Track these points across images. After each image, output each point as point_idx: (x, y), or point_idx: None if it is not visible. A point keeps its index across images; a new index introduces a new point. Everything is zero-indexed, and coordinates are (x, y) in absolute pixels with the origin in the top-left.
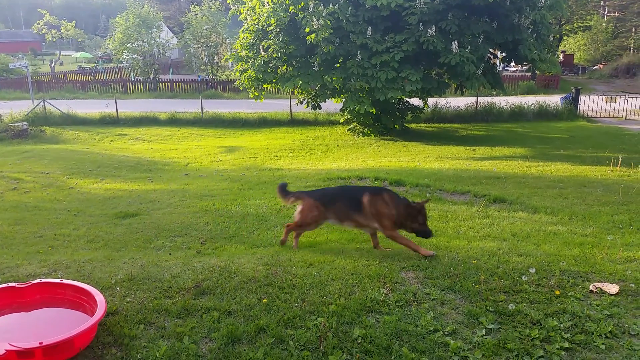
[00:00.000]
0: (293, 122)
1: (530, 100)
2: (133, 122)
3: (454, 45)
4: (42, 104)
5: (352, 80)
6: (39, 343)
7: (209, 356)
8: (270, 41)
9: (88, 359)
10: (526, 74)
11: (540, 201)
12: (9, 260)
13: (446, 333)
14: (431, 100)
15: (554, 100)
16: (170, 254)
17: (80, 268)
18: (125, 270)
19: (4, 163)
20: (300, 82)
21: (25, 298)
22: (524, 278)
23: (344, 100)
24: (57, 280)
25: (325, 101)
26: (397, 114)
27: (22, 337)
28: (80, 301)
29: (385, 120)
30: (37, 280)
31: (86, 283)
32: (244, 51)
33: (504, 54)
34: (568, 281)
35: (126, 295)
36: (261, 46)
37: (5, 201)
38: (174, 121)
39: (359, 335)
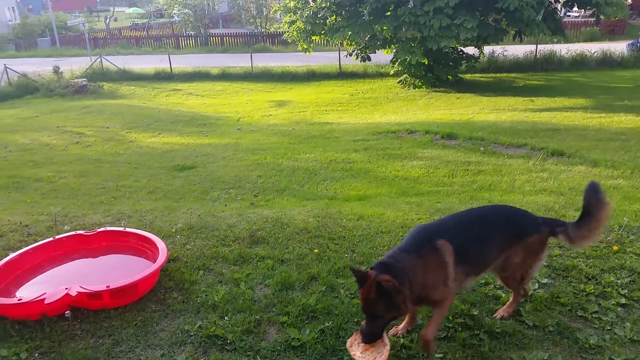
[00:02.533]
0: (342, 75)
1: (593, 48)
2: (186, 77)
3: None
4: (99, 60)
5: (403, 29)
6: (107, 286)
7: (264, 301)
8: None
9: (151, 302)
10: (589, 19)
11: (601, 154)
12: (75, 210)
13: (497, 286)
14: (487, 49)
15: (619, 47)
16: (225, 204)
17: (142, 217)
18: (184, 219)
19: (66, 118)
20: (349, 32)
21: (92, 245)
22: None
23: (394, 50)
24: (121, 229)
25: (375, 52)
26: (451, 64)
27: (91, 281)
28: (142, 248)
29: (438, 71)
30: (103, 229)
31: (148, 231)
32: (292, 2)
33: None
34: (627, 237)
35: (186, 243)
36: None
37: (70, 154)
38: (225, 76)
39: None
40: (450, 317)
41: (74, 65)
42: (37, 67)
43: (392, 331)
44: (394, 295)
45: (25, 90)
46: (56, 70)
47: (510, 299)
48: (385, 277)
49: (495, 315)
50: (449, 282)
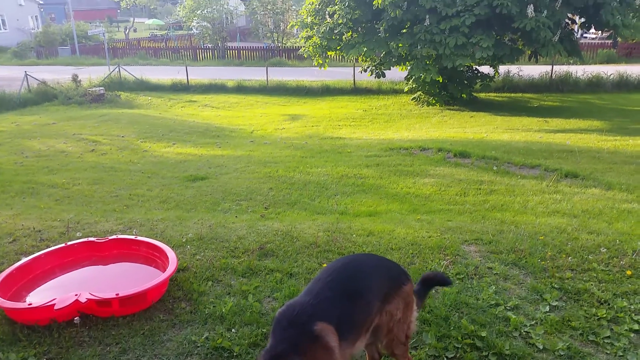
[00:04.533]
0: (356, 90)
1: (609, 70)
2: (202, 89)
3: (530, 9)
4: (117, 69)
5: (418, 47)
6: (116, 294)
7: (272, 314)
8: (336, 6)
9: (160, 311)
10: (606, 41)
11: (615, 177)
12: (88, 217)
13: (508, 308)
14: (502, 68)
15: (636, 70)
16: (236, 216)
17: (153, 226)
18: (195, 230)
19: (83, 126)
20: (365, 48)
21: (103, 252)
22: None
23: (409, 68)
24: (132, 237)
25: (389, 69)
26: (465, 82)
27: (101, 288)
28: (153, 257)
29: (452, 89)
30: (114, 236)
31: (159, 240)
32: (309, 17)
33: (582, 19)
34: None
35: (196, 253)
36: (327, 12)
37: (85, 162)
38: (240, 89)
39: (422, 303)
40: (459, 338)
41: (93, 74)
42: (56, 75)
43: None
44: None
45: (44, 97)
46: (75, 79)
47: None
48: None
49: None
50: None
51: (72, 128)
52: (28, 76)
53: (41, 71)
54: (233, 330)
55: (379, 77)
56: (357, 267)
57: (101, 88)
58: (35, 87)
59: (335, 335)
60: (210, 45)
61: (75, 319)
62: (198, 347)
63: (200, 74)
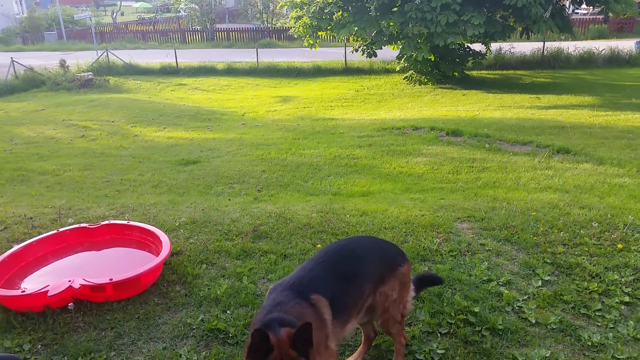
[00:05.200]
0: (347, 71)
1: (601, 45)
2: (192, 72)
3: None
4: (105, 54)
5: (410, 25)
6: (110, 279)
7: None
8: None
9: (154, 295)
10: (598, 16)
11: (607, 152)
12: (80, 203)
13: (500, 283)
14: (494, 46)
15: (627, 45)
16: (229, 199)
17: (146, 211)
18: (188, 213)
19: (72, 112)
20: (355, 28)
21: (95, 238)
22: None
23: (400, 47)
24: (125, 222)
25: (381, 48)
26: (457, 60)
27: (94, 274)
28: (146, 242)
29: (444, 68)
30: (106, 222)
31: (152, 225)
32: None
33: None
34: (632, 235)
35: (189, 237)
36: None
37: (75, 148)
38: (230, 71)
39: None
40: (453, 314)
41: (80, 59)
42: (43, 60)
43: None
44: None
45: (32, 83)
46: (62, 64)
47: (395, 352)
48: (288, 331)
49: None
50: (330, 342)
51: (61, 114)
52: (14, 62)
53: (28, 57)
54: (228, 312)
55: (370, 57)
56: (351, 250)
57: (89, 73)
58: (22, 73)
59: (329, 309)
60: (198, 28)
61: (70, 305)
62: (193, 329)
63: (190, 57)
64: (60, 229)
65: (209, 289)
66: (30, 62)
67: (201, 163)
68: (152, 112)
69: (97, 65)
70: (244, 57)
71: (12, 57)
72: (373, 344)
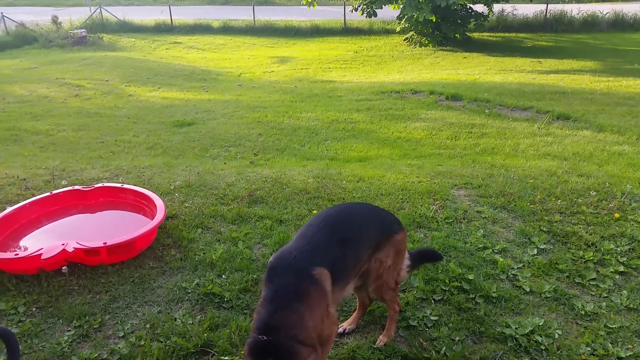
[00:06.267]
0: (347, 31)
1: (605, 9)
2: (187, 30)
3: None
4: (98, 10)
5: None
6: (104, 243)
7: (262, 260)
8: None
9: (149, 259)
10: None
11: (607, 119)
12: (73, 165)
13: (496, 251)
14: (497, 7)
15: (632, 8)
16: (225, 163)
17: (140, 173)
18: (183, 177)
19: (65, 70)
20: None
21: (89, 200)
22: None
23: (401, 6)
24: (119, 185)
25: (381, 8)
26: (459, 21)
27: (88, 237)
28: (140, 205)
29: (445, 29)
30: (100, 184)
31: (146, 188)
32: None
33: None
34: (630, 204)
35: (184, 200)
36: None
37: (69, 107)
38: (226, 29)
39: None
40: (447, 281)
41: (73, 16)
42: (35, 16)
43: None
44: None
45: (24, 40)
46: (55, 20)
47: (389, 318)
48: None
49: (377, 342)
50: (330, 309)
51: (55, 72)
52: (5, 18)
53: (18, 12)
54: (223, 276)
55: (370, 17)
56: (350, 214)
57: (83, 30)
58: (13, 29)
59: (330, 279)
60: None
61: (63, 268)
62: (189, 293)
63: (185, 14)
64: (54, 191)
65: (204, 253)
66: (21, 18)
67: (196, 125)
68: (147, 71)
69: (90, 22)
70: (241, 14)
71: (2, 12)
72: (367, 310)
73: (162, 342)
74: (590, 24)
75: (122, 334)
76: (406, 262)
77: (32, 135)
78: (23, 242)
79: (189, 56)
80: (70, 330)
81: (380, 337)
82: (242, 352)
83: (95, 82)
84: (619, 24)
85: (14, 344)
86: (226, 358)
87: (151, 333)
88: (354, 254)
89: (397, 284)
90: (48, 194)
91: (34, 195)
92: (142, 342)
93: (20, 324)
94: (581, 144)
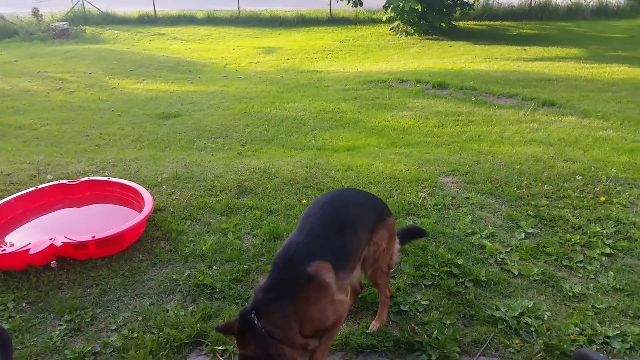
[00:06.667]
0: (333, 20)
1: None
2: (171, 21)
3: None
4: (80, 2)
5: None
6: (92, 237)
7: (253, 251)
8: None
9: (139, 251)
10: None
11: (592, 105)
12: (59, 159)
13: (484, 236)
14: None
15: None
16: (212, 154)
17: (126, 166)
18: (170, 169)
19: (48, 63)
20: None
21: (76, 194)
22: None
23: None
24: (105, 178)
25: None
26: (445, 10)
27: (76, 231)
28: (127, 198)
29: (431, 18)
30: (86, 178)
31: (133, 181)
32: None
33: None
34: (615, 188)
35: (172, 193)
36: None
37: (52, 101)
38: (211, 20)
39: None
40: (437, 266)
41: (55, 8)
42: (14, 8)
43: None
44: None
45: (3, 33)
46: (35, 13)
47: (380, 303)
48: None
49: (370, 327)
50: (336, 297)
51: (37, 66)
52: None
53: None
54: (214, 267)
55: (356, 6)
56: (345, 200)
57: (65, 22)
58: None
59: (331, 271)
60: None
61: (52, 262)
62: (180, 284)
63: (168, 5)
64: (40, 186)
65: (194, 245)
66: (0, 10)
67: (182, 117)
68: (131, 63)
69: (72, 15)
70: (225, 4)
71: None
72: (359, 297)
73: (155, 333)
74: (575, 12)
75: (114, 326)
76: (397, 245)
77: (15, 129)
78: (9, 238)
79: (173, 47)
80: (61, 325)
81: (373, 322)
82: (236, 341)
83: (78, 75)
84: (603, 12)
85: (6, 340)
86: (220, 348)
87: (143, 325)
88: (355, 238)
89: (390, 268)
90: (33, 188)
91: (19, 190)
92: (135, 335)
93: (10, 319)
94: (566, 130)
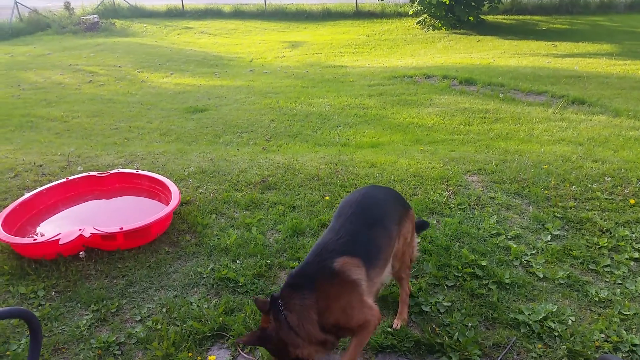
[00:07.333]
0: (358, 14)
1: None
2: (198, 15)
3: None
4: None
5: None
6: (120, 228)
7: (275, 246)
8: None
9: (164, 244)
10: None
11: (623, 104)
12: (89, 151)
13: (509, 237)
14: None
15: None
16: (237, 149)
17: (154, 160)
18: (197, 163)
19: (78, 56)
20: None
21: (105, 187)
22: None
23: None
24: (134, 171)
25: None
26: (473, 4)
27: (104, 222)
28: (155, 191)
29: (459, 12)
30: (116, 170)
31: (161, 174)
32: None
33: None
34: None
35: (198, 186)
36: None
37: (83, 94)
38: (237, 14)
39: (419, 235)
40: (460, 267)
41: (85, 2)
42: (47, 2)
43: None
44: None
45: (37, 26)
46: (67, 6)
47: (400, 301)
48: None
49: (394, 326)
50: (365, 297)
51: (68, 58)
52: (18, 4)
53: None
54: (238, 261)
55: (382, 0)
56: (374, 197)
57: (95, 16)
58: (26, 15)
59: (360, 267)
60: None
61: (81, 253)
62: (204, 278)
63: None
64: (70, 177)
65: (218, 238)
66: (34, 4)
67: (209, 111)
68: (159, 57)
69: (102, 8)
70: None
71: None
72: (379, 295)
73: (178, 325)
74: (607, 6)
75: (139, 317)
76: (416, 239)
77: (47, 121)
78: (41, 228)
79: (200, 41)
80: (88, 314)
81: (395, 320)
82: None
83: (108, 68)
84: (637, 6)
85: (36, 327)
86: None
87: (167, 317)
88: (387, 235)
89: (412, 261)
90: (64, 180)
91: (50, 182)
92: (159, 326)
93: (40, 307)
94: (596, 129)
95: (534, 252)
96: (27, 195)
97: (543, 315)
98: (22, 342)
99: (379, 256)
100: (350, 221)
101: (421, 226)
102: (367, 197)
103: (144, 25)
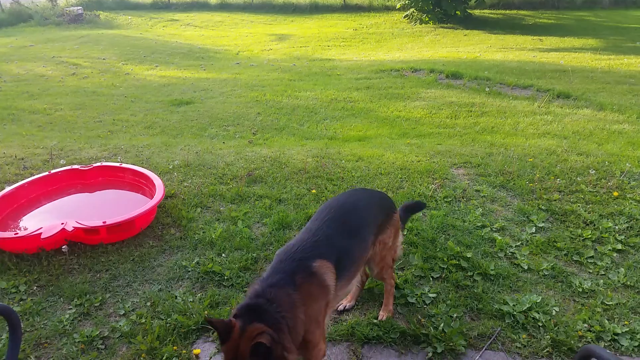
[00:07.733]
0: (346, 7)
1: None
2: (184, 7)
3: None
4: None
5: None
6: (103, 222)
7: (262, 239)
8: None
9: (149, 238)
10: None
11: (608, 97)
12: (72, 144)
13: (494, 229)
14: None
15: None
16: (223, 142)
17: (138, 153)
18: (182, 156)
19: (62, 48)
20: None
21: (88, 180)
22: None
23: None
24: (118, 164)
25: None
26: None
27: (87, 216)
28: (139, 184)
29: (446, 6)
30: (99, 164)
31: (145, 167)
32: None
33: None
34: (628, 183)
35: (183, 180)
36: None
37: (66, 86)
38: (224, 6)
39: (404, 228)
40: (445, 259)
41: None
42: None
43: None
44: (273, 352)
45: (19, 17)
46: None
47: (386, 293)
48: (257, 328)
49: (379, 317)
50: (324, 319)
51: (51, 50)
52: None
53: None
54: (223, 255)
55: None
56: (354, 204)
57: (79, 7)
58: (8, 6)
59: (333, 274)
60: None
61: (63, 247)
62: (189, 271)
63: None
64: (53, 171)
65: (203, 232)
66: None
67: (194, 104)
68: (144, 49)
69: (86, 0)
70: None
71: None
72: (365, 287)
73: (162, 319)
74: (592, 1)
75: (122, 312)
76: (400, 239)
77: (29, 114)
78: (22, 222)
79: (186, 34)
80: (71, 309)
81: (380, 312)
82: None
83: (92, 61)
84: (621, 1)
85: (15, 322)
86: None
87: (152, 311)
88: (362, 244)
89: (394, 261)
90: (47, 173)
91: (32, 175)
92: (143, 320)
93: (21, 302)
94: (581, 123)
95: (518, 244)
96: (8, 188)
97: (527, 306)
98: (2, 337)
99: (350, 266)
100: (328, 226)
101: (417, 207)
102: (348, 202)
103: (129, 17)
